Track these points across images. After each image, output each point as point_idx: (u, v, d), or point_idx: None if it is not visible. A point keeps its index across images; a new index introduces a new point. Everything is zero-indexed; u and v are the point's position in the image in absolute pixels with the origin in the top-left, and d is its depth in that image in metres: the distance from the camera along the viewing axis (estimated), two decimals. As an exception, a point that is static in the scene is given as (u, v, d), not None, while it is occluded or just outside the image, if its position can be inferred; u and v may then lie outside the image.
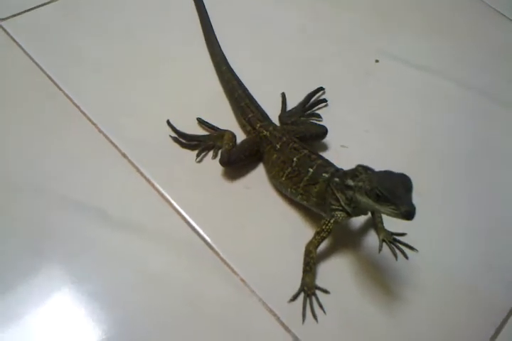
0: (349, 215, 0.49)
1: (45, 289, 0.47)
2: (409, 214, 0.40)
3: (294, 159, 0.53)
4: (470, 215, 0.58)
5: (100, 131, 0.59)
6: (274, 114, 0.62)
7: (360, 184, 0.45)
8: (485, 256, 0.55)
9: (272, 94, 0.65)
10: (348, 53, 0.73)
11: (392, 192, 0.41)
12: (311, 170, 0.51)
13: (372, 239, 0.54)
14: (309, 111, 0.65)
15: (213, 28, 0.70)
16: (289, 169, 0.53)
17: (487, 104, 0.70)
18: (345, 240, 0.54)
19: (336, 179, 0.49)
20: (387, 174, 0.44)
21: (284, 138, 0.56)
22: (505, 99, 0.71)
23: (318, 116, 0.64)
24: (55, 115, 0.60)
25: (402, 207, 0.41)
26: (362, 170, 0.46)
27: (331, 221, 0.49)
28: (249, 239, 0.53)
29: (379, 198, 0.42)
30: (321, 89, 0.67)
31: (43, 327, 0.45)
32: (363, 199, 0.44)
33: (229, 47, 0.68)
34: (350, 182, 0.46)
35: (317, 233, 0.49)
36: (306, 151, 0.53)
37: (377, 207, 0.43)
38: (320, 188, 0.50)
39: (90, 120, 0.60)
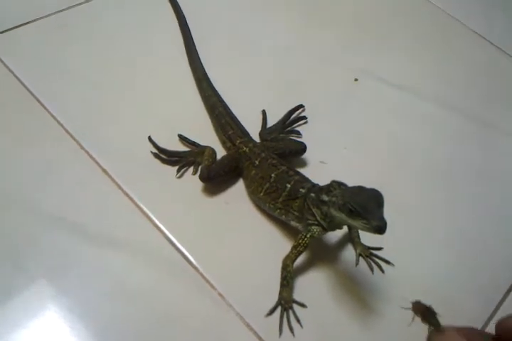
0: (325, 230, 0.50)
1: (22, 303, 0.47)
2: (380, 228, 0.41)
3: (272, 175, 0.54)
4: (445, 228, 0.59)
5: (81, 147, 0.59)
6: (254, 130, 0.64)
7: (334, 199, 0.46)
8: (460, 268, 0.56)
9: (253, 111, 0.66)
10: (328, 71, 0.75)
11: (364, 207, 0.42)
12: (288, 185, 0.52)
13: (349, 253, 0.55)
14: (289, 128, 0.66)
15: (195, 45, 0.72)
16: (267, 185, 0.54)
17: (464, 122, 0.72)
18: (322, 254, 0.54)
19: (312, 194, 0.50)
20: (360, 189, 0.45)
21: (263, 154, 0.57)
22: (483, 118, 0.73)
23: (298, 133, 0.66)
24: (33, 129, 0.60)
25: (373, 222, 0.42)
26: (336, 186, 0.47)
27: (308, 235, 0.50)
28: (227, 253, 0.53)
29: (351, 213, 0.43)
30: (301, 106, 0.68)
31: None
32: (337, 214, 0.45)
33: (211, 64, 0.69)
34: (325, 198, 0.48)
35: (294, 247, 0.50)
36: (284, 167, 0.55)
37: (349, 221, 0.44)
38: (300, 203, 0.51)
39: (71, 135, 0.60)
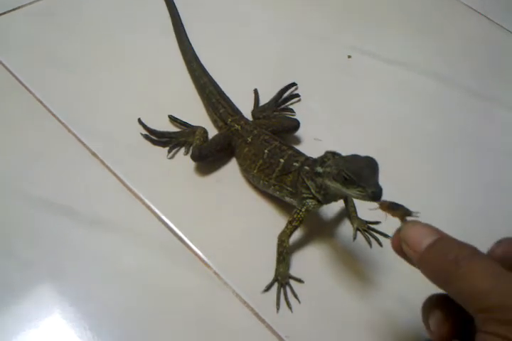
0: (320, 203, 0.48)
1: (9, 286, 0.46)
2: (375, 195, 0.40)
3: (265, 151, 0.53)
4: (444, 201, 0.58)
5: (69, 131, 0.58)
6: (246, 110, 0.62)
7: (328, 169, 0.45)
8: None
9: (244, 90, 0.65)
10: (320, 49, 0.73)
11: (359, 174, 0.41)
12: (282, 160, 0.51)
13: (346, 228, 0.54)
14: (282, 106, 0.65)
15: (184, 24, 0.71)
16: (261, 161, 0.53)
17: (459, 95, 0.71)
18: (319, 230, 0.53)
19: (306, 167, 0.49)
20: (354, 157, 0.43)
21: (255, 131, 0.56)
22: (478, 90, 0.71)
23: (292, 110, 0.64)
24: (19, 114, 0.59)
25: (368, 189, 0.40)
26: (330, 156, 0.46)
27: (303, 209, 0.48)
28: (221, 231, 0.52)
29: (346, 181, 0.42)
30: (293, 84, 0.67)
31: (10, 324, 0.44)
32: (332, 184, 0.44)
33: (200, 44, 0.68)
34: (319, 169, 0.46)
35: (289, 222, 0.49)
36: (276, 143, 0.53)
37: (344, 190, 0.43)
38: (293, 178, 0.50)
39: (58, 119, 0.59)
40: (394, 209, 0.36)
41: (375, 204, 0.38)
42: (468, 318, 0.30)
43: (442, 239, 0.32)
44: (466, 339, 0.30)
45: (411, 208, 0.36)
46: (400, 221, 0.36)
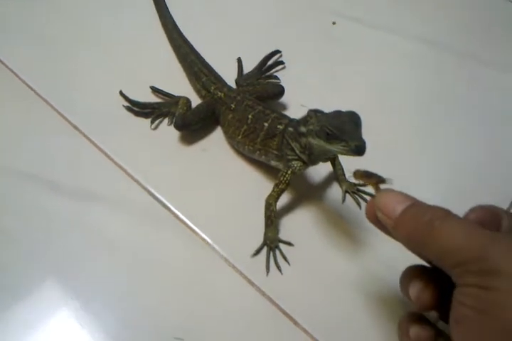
0: (306, 164, 0.48)
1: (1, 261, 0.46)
2: (359, 149, 0.39)
3: (249, 116, 0.52)
4: (432, 162, 0.57)
5: (49, 104, 0.57)
6: (230, 79, 0.61)
7: (311, 127, 0.44)
8: (449, 202, 0.54)
9: (228, 59, 0.64)
10: (304, 15, 0.72)
11: (341, 128, 0.40)
12: (266, 124, 0.50)
13: (335, 191, 0.53)
14: (267, 74, 0.63)
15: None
16: (245, 127, 0.52)
17: (447, 58, 0.69)
18: (307, 193, 0.52)
19: (290, 129, 0.48)
20: (336, 113, 0.43)
21: (239, 98, 0.55)
22: (465, 52, 0.70)
23: (276, 77, 0.63)
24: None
25: (351, 143, 0.40)
26: (312, 114, 0.45)
27: (289, 172, 0.48)
28: (209, 199, 0.51)
29: (329, 137, 0.41)
30: (277, 51, 0.65)
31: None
32: (315, 142, 0.43)
33: (181, 13, 0.67)
34: (303, 129, 0.45)
35: (276, 185, 0.48)
36: (260, 107, 0.52)
37: (328, 146, 0.42)
38: (278, 140, 0.49)
39: (37, 94, 0.58)
40: (368, 177, 0.37)
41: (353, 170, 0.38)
42: (447, 287, 0.31)
43: (416, 204, 0.32)
44: (447, 310, 0.31)
45: (389, 175, 0.36)
46: (374, 189, 0.36)
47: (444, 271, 0.30)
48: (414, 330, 0.34)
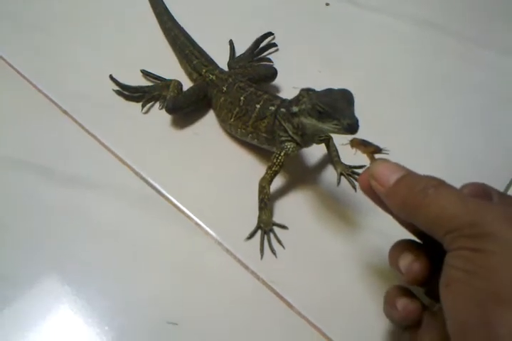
0: (299, 145, 0.47)
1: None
2: (351, 127, 0.38)
3: (241, 98, 0.51)
4: (428, 144, 0.56)
5: (38, 90, 0.56)
6: (222, 62, 0.60)
7: (303, 106, 0.43)
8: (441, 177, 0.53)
9: (220, 42, 0.63)
10: (296, -2, 0.70)
11: (333, 106, 0.39)
12: (258, 106, 0.49)
13: (329, 174, 0.52)
14: (259, 56, 0.62)
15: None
16: (237, 109, 0.51)
17: (442, 39, 0.68)
18: (302, 176, 0.52)
19: (283, 109, 0.47)
20: (328, 91, 0.42)
21: (230, 80, 0.53)
22: (461, 33, 0.68)
23: (269, 59, 0.62)
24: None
25: (343, 121, 0.39)
26: (304, 94, 0.44)
27: (281, 153, 0.47)
28: (202, 183, 0.51)
29: (321, 115, 0.40)
30: (270, 34, 0.64)
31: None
32: (307, 121, 0.42)
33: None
34: (295, 109, 0.44)
35: (269, 167, 0.47)
36: (252, 89, 0.51)
37: (320, 125, 0.41)
38: (268, 122, 0.48)
39: (28, 80, 0.57)
40: (365, 145, 0.37)
41: (350, 138, 0.38)
42: (437, 263, 0.31)
43: (410, 174, 0.33)
44: (434, 286, 0.31)
45: (395, 151, 0.36)
46: (369, 158, 0.36)
47: (435, 239, 0.30)
48: (402, 302, 0.34)
